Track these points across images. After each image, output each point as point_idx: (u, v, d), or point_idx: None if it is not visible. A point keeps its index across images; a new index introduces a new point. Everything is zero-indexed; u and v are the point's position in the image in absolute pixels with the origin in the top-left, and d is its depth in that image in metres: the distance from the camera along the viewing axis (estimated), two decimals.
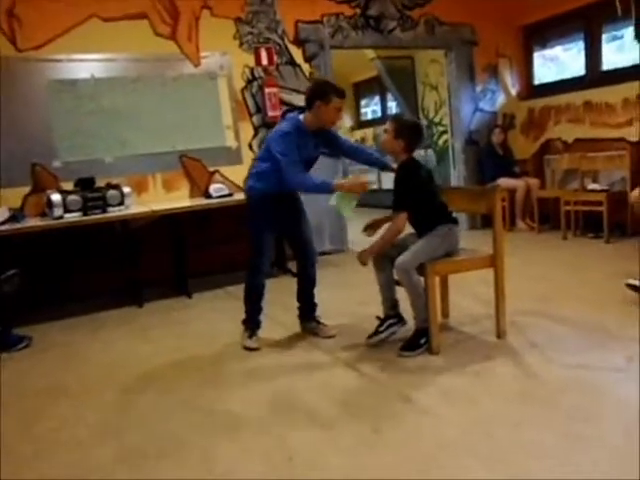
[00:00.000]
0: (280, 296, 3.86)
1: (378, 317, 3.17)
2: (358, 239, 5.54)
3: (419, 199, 2.95)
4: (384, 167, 3.40)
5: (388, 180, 9.03)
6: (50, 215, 4.18)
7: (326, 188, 3.03)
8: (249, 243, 3.31)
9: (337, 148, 3.36)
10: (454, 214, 3.09)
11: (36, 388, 2.95)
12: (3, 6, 4.38)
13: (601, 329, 3.06)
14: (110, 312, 4.34)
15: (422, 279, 2.89)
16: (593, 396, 2.32)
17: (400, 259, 2.87)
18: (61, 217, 4.15)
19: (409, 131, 2.98)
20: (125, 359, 3.29)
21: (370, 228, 3.27)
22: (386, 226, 3.11)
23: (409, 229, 3.07)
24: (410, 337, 2.97)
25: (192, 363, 3.14)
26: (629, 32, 5.32)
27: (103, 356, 3.40)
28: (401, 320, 3.15)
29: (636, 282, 3.39)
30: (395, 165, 3.08)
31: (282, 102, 5.40)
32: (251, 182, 3.28)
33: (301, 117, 3.13)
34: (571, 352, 2.78)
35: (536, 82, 6.72)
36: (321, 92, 3.05)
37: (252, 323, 3.34)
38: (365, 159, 3.45)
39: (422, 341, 2.93)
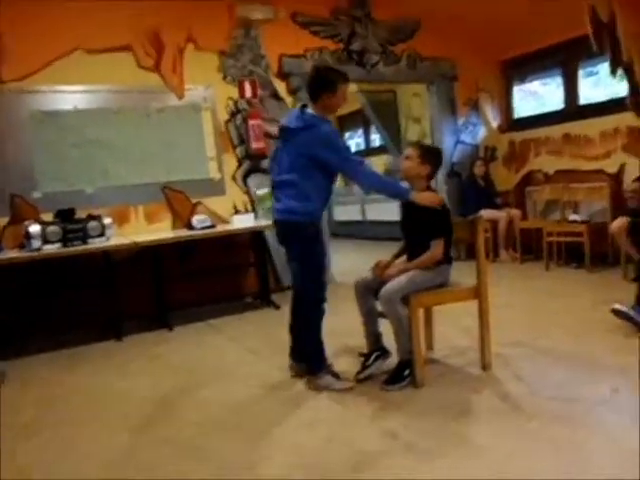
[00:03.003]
0: (265, 328, 3.79)
1: (361, 354, 3.11)
2: (342, 270, 5.53)
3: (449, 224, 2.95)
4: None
5: (372, 212, 9.16)
6: (28, 247, 4.10)
7: (405, 192, 2.85)
8: (308, 273, 2.92)
9: None
10: None
11: (7, 425, 2.83)
12: None
13: (586, 359, 3.04)
14: (89, 346, 4.22)
15: (406, 310, 2.85)
16: (581, 429, 2.29)
17: (386, 288, 2.82)
18: (39, 249, 4.07)
19: (434, 156, 2.96)
20: (102, 395, 3.19)
21: (379, 268, 3.04)
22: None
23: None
24: (394, 370, 2.92)
25: (170, 399, 3.04)
26: (604, 68, 5.47)
27: (79, 392, 3.28)
28: (386, 352, 3.10)
29: (622, 307, 3.40)
30: (413, 193, 2.92)
31: (266, 134, 5.42)
32: (293, 204, 2.85)
33: (310, 111, 2.90)
34: (557, 384, 2.75)
35: (516, 115, 6.85)
36: (327, 82, 2.85)
37: (326, 362, 3.00)
38: None
39: (405, 373, 2.88)
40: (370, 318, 3.06)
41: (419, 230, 2.95)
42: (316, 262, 2.94)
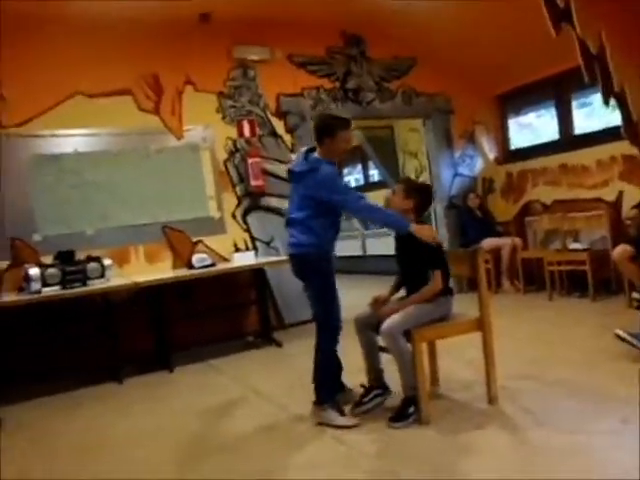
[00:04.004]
0: (268, 367, 3.74)
1: (363, 385, 3.07)
2: (344, 305, 5.46)
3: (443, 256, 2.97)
4: None
5: (372, 247, 9.14)
6: (28, 289, 4.09)
7: (405, 226, 2.92)
8: (321, 303, 3.03)
9: None
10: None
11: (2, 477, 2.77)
12: None
13: (593, 390, 2.98)
14: (88, 389, 4.16)
15: (409, 345, 2.82)
16: (593, 462, 2.23)
17: (387, 323, 2.79)
18: (39, 291, 4.06)
19: (418, 192, 3.03)
20: (102, 441, 3.12)
21: (377, 303, 3.08)
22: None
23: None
24: (399, 407, 2.86)
25: (172, 444, 2.97)
26: (597, 98, 5.54)
27: (78, 438, 3.21)
28: (386, 390, 3.04)
29: (623, 334, 3.36)
30: (413, 226, 2.97)
31: (265, 172, 5.47)
32: (303, 238, 3.01)
33: (316, 154, 3.07)
34: (565, 417, 2.69)
35: (512, 147, 6.91)
36: (326, 128, 3.04)
37: (333, 395, 3.04)
38: None
39: (411, 410, 2.82)
40: (371, 354, 3.02)
41: (415, 262, 2.97)
42: (328, 292, 3.03)
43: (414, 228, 2.91)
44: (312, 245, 3.00)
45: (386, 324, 2.79)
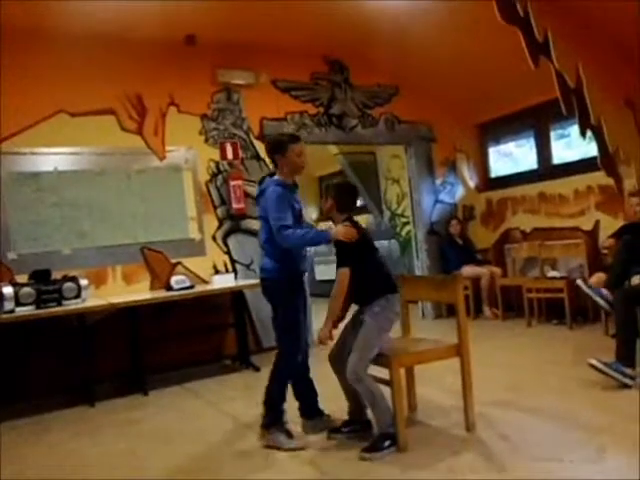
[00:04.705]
0: (245, 392, 3.68)
1: (349, 412, 3.05)
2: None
3: (359, 257, 2.91)
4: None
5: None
6: (0, 309, 3.99)
7: (325, 237, 2.95)
8: (281, 326, 3.04)
9: None
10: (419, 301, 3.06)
11: None
12: None
13: (569, 418, 2.98)
14: (59, 412, 4.05)
15: (376, 384, 2.81)
16: None
17: (349, 367, 2.78)
18: (12, 311, 3.97)
19: (335, 190, 3.05)
20: (69, 466, 3.02)
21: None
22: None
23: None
24: (374, 440, 2.81)
25: (144, 469, 2.89)
26: (575, 130, 5.67)
27: (45, 462, 3.11)
28: (366, 427, 3.00)
29: (597, 363, 3.39)
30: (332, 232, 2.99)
31: (246, 195, 5.47)
32: (266, 262, 3.09)
33: (277, 177, 3.10)
34: (542, 444, 2.68)
35: (492, 175, 7.02)
36: (276, 146, 3.11)
37: (281, 419, 3.02)
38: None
39: (386, 444, 2.76)
40: (350, 388, 2.93)
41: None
42: (289, 316, 3.02)
43: (333, 233, 2.91)
44: (272, 270, 3.04)
45: (348, 368, 2.78)
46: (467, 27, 5.09)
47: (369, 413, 3.02)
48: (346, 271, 2.88)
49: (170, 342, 4.82)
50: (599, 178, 5.38)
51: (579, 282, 4.26)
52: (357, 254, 2.92)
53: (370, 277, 2.92)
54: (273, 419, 3.00)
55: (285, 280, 3.04)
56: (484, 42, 5.22)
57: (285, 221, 2.92)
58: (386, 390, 2.81)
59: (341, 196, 3.04)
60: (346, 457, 2.76)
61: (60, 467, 3.02)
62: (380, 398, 2.78)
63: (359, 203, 9.77)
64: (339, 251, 2.93)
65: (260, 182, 3.25)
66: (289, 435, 2.99)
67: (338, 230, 2.91)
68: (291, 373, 3.06)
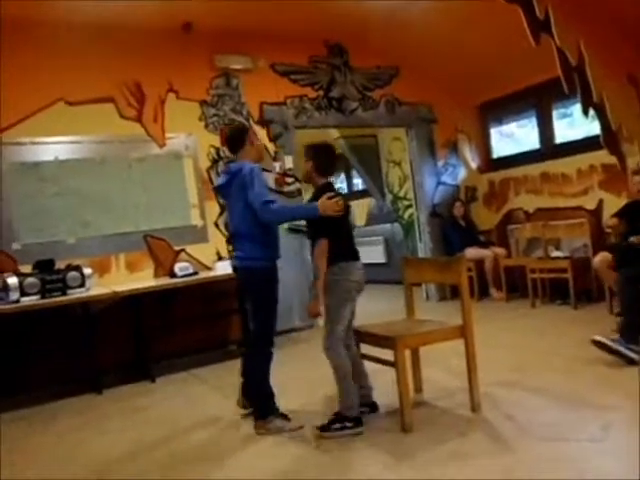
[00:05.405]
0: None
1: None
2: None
3: (334, 228, 2.85)
4: None
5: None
6: (5, 299, 4.01)
7: (314, 212, 2.85)
8: (257, 316, 3.03)
9: None
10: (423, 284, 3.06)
11: None
12: None
13: (574, 397, 3.00)
14: (67, 400, 4.09)
15: (346, 362, 2.83)
16: (574, 469, 2.22)
17: (323, 340, 2.83)
18: (17, 301, 3.99)
19: (314, 152, 2.97)
20: (78, 453, 3.06)
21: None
22: None
23: None
24: (328, 419, 2.84)
25: (152, 456, 2.91)
26: (577, 108, 5.62)
27: (54, 450, 3.15)
28: (374, 409, 3.03)
29: (602, 339, 3.38)
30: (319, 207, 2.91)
31: None
32: (246, 250, 3.01)
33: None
34: (547, 423, 2.69)
35: (494, 156, 6.98)
36: (235, 140, 3.15)
37: (274, 404, 3.04)
38: None
39: (337, 426, 2.77)
40: (355, 371, 2.93)
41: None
42: (266, 305, 3.01)
43: (321, 208, 2.82)
44: (251, 258, 2.98)
45: (323, 342, 2.82)
46: (467, 5, 5.02)
47: (374, 395, 3.05)
48: (326, 242, 2.83)
49: (175, 329, 4.84)
50: (602, 157, 5.34)
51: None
52: (334, 225, 2.86)
53: (330, 246, 2.84)
54: (266, 409, 3.01)
55: (267, 268, 3.01)
56: (484, 20, 5.15)
57: (268, 197, 2.92)
58: (391, 371, 2.83)
59: (320, 157, 2.96)
60: (350, 437, 2.78)
61: (67, 457, 3.05)
62: (346, 378, 2.80)
63: (361, 187, 9.75)
64: (319, 222, 2.85)
65: (226, 171, 3.18)
66: (286, 418, 3.02)
67: (327, 205, 2.81)
68: (268, 360, 3.04)
